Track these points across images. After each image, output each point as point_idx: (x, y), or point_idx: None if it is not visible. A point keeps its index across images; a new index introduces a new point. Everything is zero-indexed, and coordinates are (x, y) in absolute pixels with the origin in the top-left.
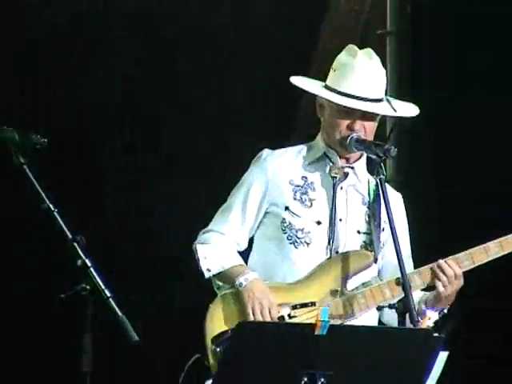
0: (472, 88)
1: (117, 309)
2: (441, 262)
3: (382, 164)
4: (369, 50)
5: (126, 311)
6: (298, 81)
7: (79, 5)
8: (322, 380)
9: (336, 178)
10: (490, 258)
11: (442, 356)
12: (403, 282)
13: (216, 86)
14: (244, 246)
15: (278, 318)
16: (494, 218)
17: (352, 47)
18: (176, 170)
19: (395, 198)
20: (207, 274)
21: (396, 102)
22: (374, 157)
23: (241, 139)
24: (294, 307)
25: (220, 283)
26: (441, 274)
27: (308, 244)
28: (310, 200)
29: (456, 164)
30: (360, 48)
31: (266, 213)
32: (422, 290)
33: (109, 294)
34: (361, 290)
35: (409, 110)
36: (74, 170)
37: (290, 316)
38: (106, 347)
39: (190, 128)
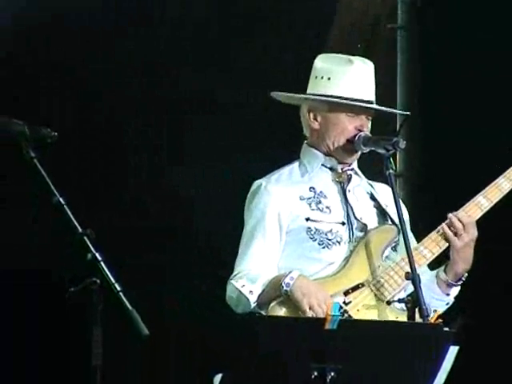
0: (484, 82)
1: (127, 302)
2: (450, 214)
3: (390, 158)
4: (354, 57)
5: (136, 305)
6: (286, 95)
7: None
8: (332, 374)
9: (342, 183)
10: (504, 194)
11: (453, 350)
12: (412, 277)
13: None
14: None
15: None
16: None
17: (340, 56)
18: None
19: (388, 191)
20: (252, 298)
21: None
22: (382, 151)
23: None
24: (346, 293)
25: (263, 311)
26: (456, 222)
27: (339, 242)
28: (327, 207)
29: (469, 158)
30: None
31: (286, 233)
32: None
33: (119, 288)
34: (395, 260)
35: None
36: (81, 165)
37: (345, 303)
38: (116, 341)
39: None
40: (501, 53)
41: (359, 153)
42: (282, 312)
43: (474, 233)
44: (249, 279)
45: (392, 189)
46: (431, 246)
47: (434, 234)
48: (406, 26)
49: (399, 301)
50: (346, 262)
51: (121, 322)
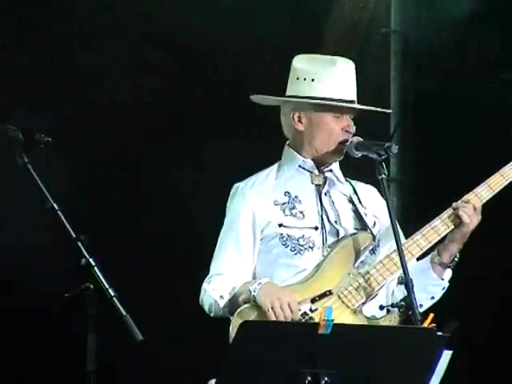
0: (478, 86)
1: (121, 308)
2: (466, 196)
3: (383, 163)
4: (335, 57)
5: (130, 310)
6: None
7: None
8: (326, 379)
9: (319, 185)
10: (507, 182)
11: (447, 355)
12: (405, 282)
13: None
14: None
15: (301, 314)
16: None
17: (320, 57)
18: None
19: (371, 191)
20: (221, 302)
21: None
22: (374, 156)
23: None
24: (313, 300)
25: (232, 317)
26: (468, 206)
27: (312, 248)
28: (301, 212)
29: (462, 162)
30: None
31: (260, 239)
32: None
33: (113, 294)
34: (368, 267)
35: None
36: (77, 170)
37: (311, 310)
38: (110, 347)
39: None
40: (497, 55)
41: (342, 156)
42: (248, 317)
43: (479, 217)
44: (220, 283)
45: (385, 194)
46: (429, 233)
47: (435, 222)
48: (399, 31)
49: (392, 306)
50: (317, 268)
51: (115, 328)
